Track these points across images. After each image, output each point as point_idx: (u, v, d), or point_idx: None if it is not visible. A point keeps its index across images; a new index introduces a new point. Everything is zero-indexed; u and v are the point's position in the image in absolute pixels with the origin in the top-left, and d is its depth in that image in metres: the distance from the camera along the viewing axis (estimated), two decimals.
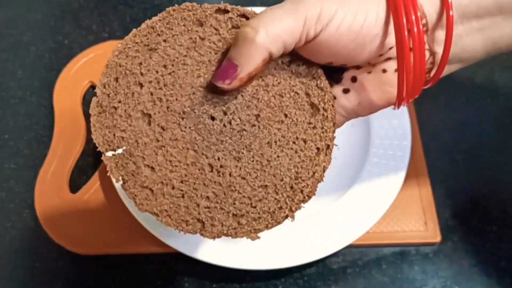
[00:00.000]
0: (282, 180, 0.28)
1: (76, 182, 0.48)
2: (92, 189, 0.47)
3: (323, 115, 0.28)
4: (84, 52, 0.56)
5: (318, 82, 0.28)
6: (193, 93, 0.28)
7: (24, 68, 0.56)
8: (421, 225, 0.45)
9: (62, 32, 0.59)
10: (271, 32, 0.25)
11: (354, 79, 0.28)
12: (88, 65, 0.55)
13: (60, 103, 0.52)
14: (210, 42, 0.29)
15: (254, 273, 0.43)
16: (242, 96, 0.28)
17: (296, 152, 0.28)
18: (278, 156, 0.28)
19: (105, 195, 0.47)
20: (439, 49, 0.27)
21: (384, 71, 0.27)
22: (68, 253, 0.44)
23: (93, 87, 0.54)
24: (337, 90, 0.29)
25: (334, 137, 0.28)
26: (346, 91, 0.29)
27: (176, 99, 0.28)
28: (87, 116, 0.52)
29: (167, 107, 0.28)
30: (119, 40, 0.57)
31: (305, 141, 0.28)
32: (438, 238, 0.45)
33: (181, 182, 0.28)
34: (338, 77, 0.29)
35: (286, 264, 0.42)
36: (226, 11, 0.29)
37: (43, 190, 0.47)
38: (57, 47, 0.58)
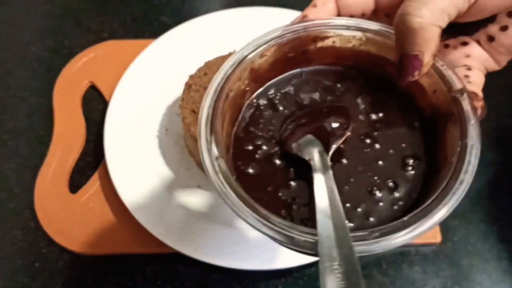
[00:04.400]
0: None
1: (76, 182, 0.48)
2: (92, 189, 0.47)
3: None
4: (84, 52, 0.56)
5: None
6: None
7: (24, 68, 0.56)
8: None
9: (62, 32, 0.59)
10: (434, 9, 0.24)
11: (510, 14, 0.27)
12: (88, 65, 0.55)
13: (60, 103, 0.52)
14: None
15: (254, 273, 0.43)
16: None
17: None
18: None
19: (105, 195, 0.47)
20: None
21: None
22: (68, 253, 0.44)
23: (93, 87, 0.54)
24: (494, 29, 0.28)
25: None
26: (504, 28, 0.28)
27: None
28: (87, 116, 0.52)
29: None
30: (119, 40, 0.57)
31: None
32: (438, 238, 0.45)
33: None
34: (492, 17, 0.28)
35: (286, 264, 0.42)
36: None
37: (43, 190, 0.47)
38: (57, 47, 0.58)
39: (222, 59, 0.48)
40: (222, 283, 0.43)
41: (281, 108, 0.31)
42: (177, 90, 0.48)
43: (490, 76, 0.55)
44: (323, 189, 0.24)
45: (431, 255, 0.45)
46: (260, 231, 0.23)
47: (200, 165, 0.48)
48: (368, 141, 0.29)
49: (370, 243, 0.22)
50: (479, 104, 0.27)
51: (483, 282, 0.43)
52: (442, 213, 0.23)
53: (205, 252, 0.42)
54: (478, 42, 0.29)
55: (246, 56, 0.29)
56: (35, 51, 0.57)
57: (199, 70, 0.47)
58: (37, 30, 0.59)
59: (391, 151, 0.28)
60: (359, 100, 0.31)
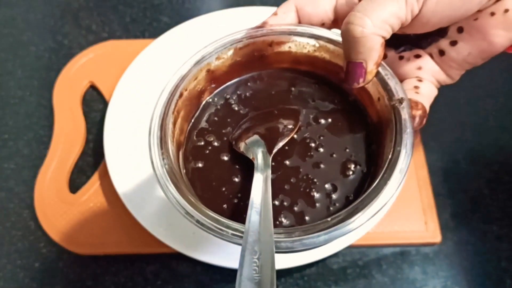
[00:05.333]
0: None
1: (76, 182, 0.48)
2: (92, 189, 0.47)
3: None
4: (84, 52, 0.56)
5: None
6: None
7: (24, 68, 0.56)
8: (421, 225, 0.45)
9: (62, 32, 0.59)
10: (376, 20, 0.25)
11: (460, 30, 0.28)
12: (88, 65, 0.55)
13: (60, 103, 0.52)
14: None
15: None
16: None
17: None
18: None
19: (105, 195, 0.47)
20: None
21: (493, 14, 0.27)
22: (68, 253, 0.44)
23: (93, 87, 0.54)
24: (444, 43, 0.29)
25: None
26: (453, 43, 0.29)
27: None
28: (87, 116, 0.52)
29: None
30: (119, 40, 0.57)
31: None
32: (438, 238, 0.45)
33: None
34: (443, 30, 0.29)
35: (286, 264, 0.42)
36: None
37: (43, 190, 0.47)
38: (57, 47, 0.58)
39: None
40: (222, 283, 0.43)
41: (236, 108, 0.32)
42: None
43: (490, 77, 0.55)
44: (259, 188, 0.26)
45: (431, 255, 0.45)
46: (194, 223, 0.25)
47: None
48: (313, 144, 0.30)
49: (293, 240, 0.24)
50: (418, 113, 0.28)
51: (483, 282, 0.43)
52: (363, 217, 0.24)
53: (205, 252, 0.42)
54: (431, 56, 0.30)
55: (203, 57, 0.30)
56: (35, 51, 0.57)
57: None
58: (37, 30, 0.59)
59: (334, 155, 0.30)
60: (310, 105, 0.32)
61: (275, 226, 0.27)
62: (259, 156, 0.28)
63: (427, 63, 0.30)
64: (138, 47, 0.53)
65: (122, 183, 0.45)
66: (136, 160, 0.47)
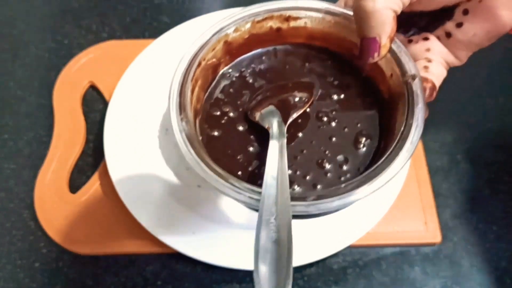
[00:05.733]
0: None
1: (76, 182, 0.48)
2: (92, 189, 0.47)
3: None
4: (84, 52, 0.56)
5: None
6: None
7: (24, 68, 0.56)
8: (421, 225, 0.45)
9: (62, 32, 0.59)
10: None
11: (465, 12, 0.29)
12: (88, 65, 0.55)
13: (60, 103, 0.52)
14: None
15: None
16: None
17: None
18: None
19: (105, 195, 0.47)
20: None
21: None
22: (68, 253, 0.44)
23: (93, 87, 0.54)
24: (450, 26, 0.30)
25: None
26: (459, 25, 0.29)
27: None
28: (87, 116, 0.52)
29: None
30: (119, 40, 0.57)
31: None
32: (438, 238, 0.45)
33: None
34: (449, 14, 0.30)
35: None
36: None
37: (43, 190, 0.47)
38: (57, 47, 0.58)
39: None
40: (222, 283, 0.43)
41: (250, 81, 0.33)
42: None
43: (490, 77, 0.55)
44: (275, 154, 0.27)
45: (431, 255, 0.45)
46: (214, 187, 0.26)
47: None
48: (325, 119, 0.32)
49: (308, 204, 0.25)
50: (428, 85, 0.29)
51: (483, 282, 0.43)
52: (376, 185, 0.26)
53: (205, 252, 0.42)
54: (438, 38, 0.31)
55: (221, 29, 0.31)
56: (35, 51, 0.57)
57: None
58: (37, 30, 0.59)
59: (346, 129, 0.31)
60: (323, 80, 0.33)
61: None
62: (274, 125, 0.29)
63: (436, 45, 0.31)
64: (138, 47, 0.53)
65: (122, 183, 0.45)
66: (136, 160, 0.47)
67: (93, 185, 0.47)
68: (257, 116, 0.31)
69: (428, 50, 0.31)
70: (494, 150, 0.51)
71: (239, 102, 0.32)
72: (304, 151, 0.30)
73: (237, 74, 0.34)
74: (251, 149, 0.30)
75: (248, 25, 0.32)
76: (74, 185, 0.48)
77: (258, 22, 0.32)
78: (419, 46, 0.31)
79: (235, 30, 0.32)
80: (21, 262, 0.44)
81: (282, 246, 0.22)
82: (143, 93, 0.51)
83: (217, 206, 0.46)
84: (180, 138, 0.28)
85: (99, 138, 0.49)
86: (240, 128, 0.31)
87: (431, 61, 0.31)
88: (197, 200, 0.46)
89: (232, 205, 0.46)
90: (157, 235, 0.42)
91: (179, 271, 0.44)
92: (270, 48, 0.35)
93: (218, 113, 0.32)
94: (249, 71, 0.34)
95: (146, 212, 0.44)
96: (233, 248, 0.42)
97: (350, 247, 0.44)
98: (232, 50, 0.33)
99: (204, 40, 0.31)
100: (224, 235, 0.43)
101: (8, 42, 0.58)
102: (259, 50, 0.34)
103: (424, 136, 0.50)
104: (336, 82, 0.33)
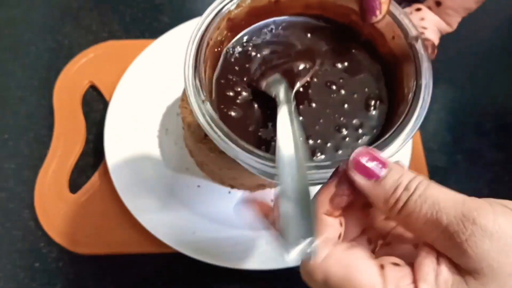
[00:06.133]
0: None
1: (76, 182, 0.48)
2: (92, 189, 0.47)
3: None
4: (84, 52, 0.56)
5: None
6: None
7: (24, 68, 0.56)
8: None
9: (62, 32, 0.59)
10: None
11: None
12: (88, 65, 0.55)
13: (60, 103, 0.52)
14: None
15: (254, 273, 0.43)
16: None
17: None
18: None
19: (105, 195, 0.47)
20: None
21: None
22: (68, 253, 0.44)
23: (93, 87, 0.54)
24: None
25: None
26: None
27: None
28: (87, 116, 0.52)
29: None
30: (119, 40, 0.57)
31: None
32: None
33: None
34: None
35: (286, 264, 0.42)
36: None
37: (43, 190, 0.47)
38: (57, 47, 0.58)
39: None
40: (222, 283, 0.43)
41: (253, 54, 0.34)
42: (177, 90, 0.48)
43: (490, 76, 0.55)
44: (285, 119, 0.27)
45: None
46: (244, 162, 0.27)
47: (200, 165, 0.48)
48: (334, 87, 0.33)
49: (328, 172, 0.26)
50: (429, 43, 0.31)
51: None
52: (397, 143, 0.27)
53: (205, 252, 0.42)
54: (430, 8, 0.32)
55: (224, 6, 0.32)
56: (35, 51, 0.57)
57: None
58: (37, 30, 0.59)
59: (355, 95, 0.32)
60: (326, 49, 0.34)
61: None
62: (281, 92, 0.30)
63: (428, 14, 0.32)
64: (138, 47, 0.53)
65: (123, 183, 0.45)
66: (136, 160, 0.47)
67: (93, 185, 0.47)
68: (263, 85, 0.31)
69: (422, 19, 0.32)
70: (494, 150, 0.51)
71: (244, 76, 0.33)
72: (321, 120, 0.31)
73: (240, 49, 0.34)
74: (270, 124, 0.31)
75: (249, 0, 0.33)
76: (74, 185, 0.48)
77: None
78: (413, 17, 0.32)
79: (237, 6, 0.33)
80: (21, 262, 0.44)
81: (303, 206, 0.22)
82: (144, 93, 0.51)
83: (217, 206, 0.46)
84: (204, 121, 0.28)
85: (99, 138, 0.49)
86: (247, 100, 0.32)
87: (426, 28, 0.32)
88: (197, 200, 0.46)
89: (232, 205, 0.46)
90: (157, 235, 0.42)
91: (179, 271, 0.44)
92: (270, 20, 0.35)
93: (231, 93, 0.33)
94: (251, 44, 0.35)
95: (146, 212, 0.44)
96: (233, 248, 0.42)
97: None
98: (234, 26, 0.34)
99: (209, 19, 0.32)
100: (224, 235, 0.43)
101: (8, 42, 0.58)
102: (258, 24, 0.35)
103: (424, 136, 0.50)
104: (338, 50, 0.34)
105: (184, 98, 0.45)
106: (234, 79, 0.33)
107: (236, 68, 0.34)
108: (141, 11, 0.61)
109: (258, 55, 0.34)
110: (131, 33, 0.59)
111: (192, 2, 0.62)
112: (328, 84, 0.33)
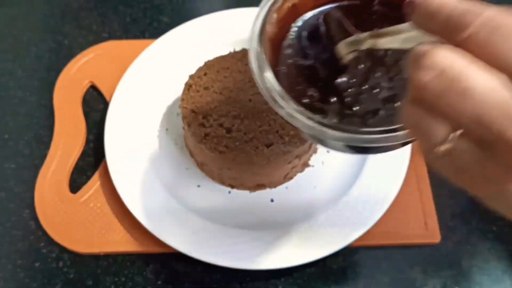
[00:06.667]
0: None
1: (76, 182, 0.48)
2: (92, 189, 0.47)
3: None
4: (84, 52, 0.56)
5: None
6: None
7: (24, 68, 0.56)
8: (421, 225, 0.45)
9: (62, 32, 0.59)
10: None
11: None
12: (88, 65, 0.55)
13: (60, 103, 0.52)
14: None
15: (254, 273, 0.43)
16: None
17: None
18: None
19: (105, 195, 0.47)
20: None
21: None
22: (68, 253, 0.44)
23: (93, 87, 0.54)
24: None
25: None
26: None
27: None
28: (87, 116, 0.52)
29: None
30: (119, 40, 0.57)
31: None
32: (438, 238, 0.45)
33: None
34: None
35: (286, 264, 0.42)
36: None
37: (43, 190, 0.47)
38: (57, 47, 0.58)
39: (222, 59, 0.48)
40: (222, 283, 0.43)
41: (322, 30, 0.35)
42: (177, 90, 0.48)
43: None
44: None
45: (431, 255, 0.45)
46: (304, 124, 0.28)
47: (200, 165, 0.48)
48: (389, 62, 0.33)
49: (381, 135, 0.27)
50: None
51: (483, 282, 0.44)
52: None
53: (205, 252, 0.42)
54: None
55: None
56: (35, 51, 0.57)
57: (199, 70, 0.47)
58: (37, 30, 0.59)
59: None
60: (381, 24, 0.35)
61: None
62: (366, 33, 0.30)
63: None
64: (139, 48, 0.53)
65: (123, 183, 0.45)
66: (136, 160, 0.47)
67: (93, 185, 0.47)
68: (342, 45, 0.32)
69: None
70: None
71: (307, 51, 0.34)
72: (377, 89, 0.32)
73: (312, 22, 0.35)
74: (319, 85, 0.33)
75: None
76: (74, 185, 0.48)
77: None
78: None
79: None
80: (21, 262, 0.44)
81: None
82: (144, 93, 0.51)
83: (217, 206, 0.46)
84: (277, 95, 0.29)
85: (99, 138, 0.49)
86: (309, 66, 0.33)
87: None
88: (197, 200, 0.46)
89: (232, 205, 0.46)
90: (157, 235, 0.42)
91: (179, 271, 0.44)
92: (333, 5, 0.36)
93: (288, 67, 0.34)
94: (319, 22, 0.36)
95: (146, 212, 0.44)
96: (233, 248, 0.42)
97: (350, 247, 0.44)
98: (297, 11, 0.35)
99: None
100: (224, 235, 0.43)
101: (8, 42, 0.58)
102: (323, 8, 0.36)
103: None
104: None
105: (184, 98, 0.45)
106: (294, 55, 0.34)
107: (305, 42, 0.35)
108: (141, 11, 0.61)
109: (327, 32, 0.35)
110: (131, 33, 0.59)
111: (192, 2, 0.62)
112: (385, 58, 0.33)
